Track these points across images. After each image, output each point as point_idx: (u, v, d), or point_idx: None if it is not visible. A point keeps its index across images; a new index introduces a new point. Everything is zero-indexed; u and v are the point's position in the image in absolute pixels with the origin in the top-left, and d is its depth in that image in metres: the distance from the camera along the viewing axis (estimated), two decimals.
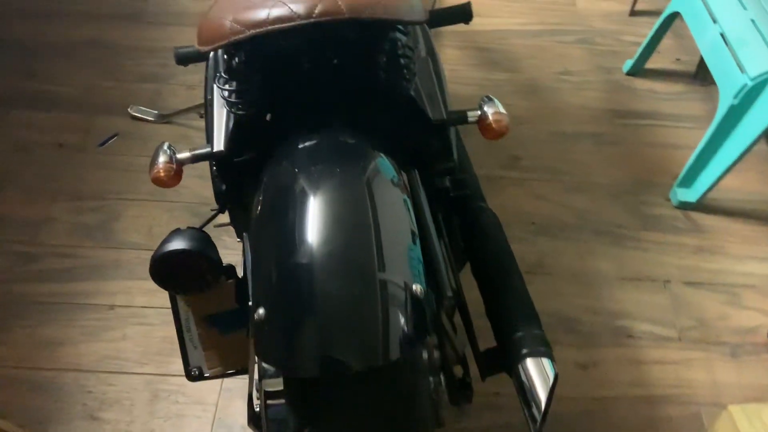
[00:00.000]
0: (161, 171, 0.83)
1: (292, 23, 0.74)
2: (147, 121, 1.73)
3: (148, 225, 1.50)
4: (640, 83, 1.90)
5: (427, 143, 0.93)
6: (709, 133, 1.48)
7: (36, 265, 1.41)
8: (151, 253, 0.78)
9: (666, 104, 1.84)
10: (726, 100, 1.44)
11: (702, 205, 1.58)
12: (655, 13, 2.14)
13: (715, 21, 1.55)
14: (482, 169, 1.48)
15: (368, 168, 0.77)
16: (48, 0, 2.07)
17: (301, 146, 0.80)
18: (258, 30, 0.75)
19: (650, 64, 1.92)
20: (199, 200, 1.55)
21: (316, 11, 0.74)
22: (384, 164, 0.79)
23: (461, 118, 0.92)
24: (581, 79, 1.91)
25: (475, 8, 2.13)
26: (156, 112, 1.75)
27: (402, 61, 0.88)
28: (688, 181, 1.58)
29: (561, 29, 2.08)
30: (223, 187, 0.91)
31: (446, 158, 0.95)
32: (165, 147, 0.86)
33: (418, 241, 0.75)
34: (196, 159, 0.87)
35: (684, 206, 1.59)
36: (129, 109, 1.76)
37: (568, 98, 1.85)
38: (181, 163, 0.86)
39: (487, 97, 0.95)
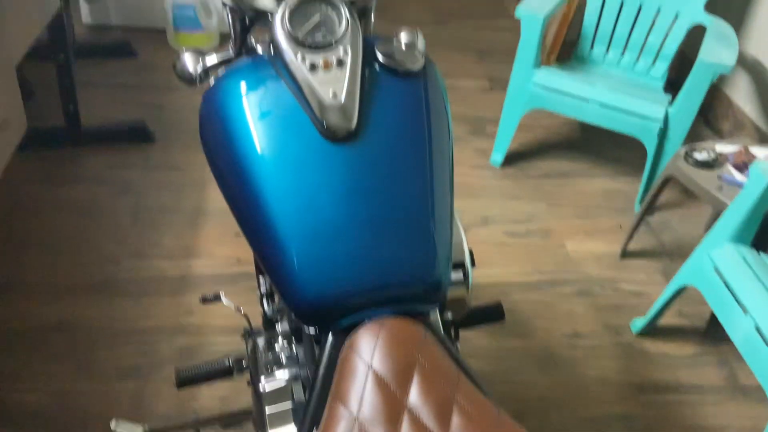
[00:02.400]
0: None
1: None
2: None
3: None
4: (652, 345, 1.86)
5: None
6: None
7: None
8: None
9: (684, 372, 1.79)
10: None
11: None
12: (646, 255, 2.15)
13: (746, 311, 1.52)
14: None
15: None
16: (3, 268, 1.84)
17: None
18: None
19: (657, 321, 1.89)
20: None
21: None
22: None
23: None
24: (593, 343, 1.84)
25: None
26: (141, 428, 1.53)
27: None
28: None
29: (558, 279, 2.03)
30: None
31: None
32: None
33: None
34: None
35: None
36: (112, 426, 1.52)
37: (585, 370, 1.77)
38: None
39: None
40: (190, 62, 1.12)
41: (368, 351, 0.77)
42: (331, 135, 0.94)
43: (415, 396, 0.72)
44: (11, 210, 2.00)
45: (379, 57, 1.03)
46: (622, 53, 2.55)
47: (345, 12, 1.02)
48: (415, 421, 0.70)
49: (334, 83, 0.96)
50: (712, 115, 2.82)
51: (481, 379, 0.80)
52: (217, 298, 1.40)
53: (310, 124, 0.95)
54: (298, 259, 0.89)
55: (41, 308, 1.76)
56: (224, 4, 1.11)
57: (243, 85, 1.02)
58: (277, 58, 1.00)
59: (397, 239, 0.92)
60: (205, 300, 1.42)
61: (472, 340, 1.82)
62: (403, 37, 1.29)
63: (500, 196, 2.34)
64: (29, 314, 1.74)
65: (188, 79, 1.12)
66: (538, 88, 2.31)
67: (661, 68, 2.48)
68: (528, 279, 2.02)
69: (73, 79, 2.14)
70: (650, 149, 2.22)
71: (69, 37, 2.09)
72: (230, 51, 1.14)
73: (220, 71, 1.10)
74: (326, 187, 0.93)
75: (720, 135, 2.76)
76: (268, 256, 0.93)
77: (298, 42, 0.99)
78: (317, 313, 0.88)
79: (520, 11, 2.26)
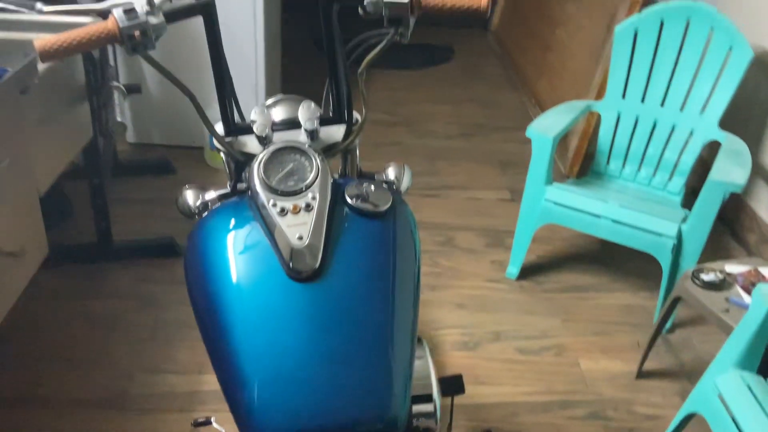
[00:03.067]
0: None
1: None
2: None
3: None
4: None
5: None
6: None
7: None
8: None
9: None
10: None
11: None
12: (664, 374, 2.09)
13: None
14: None
15: None
16: (17, 382, 1.92)
17: None
18: None
19: None
20: None
21: None
22: None
23: None
24: None
25: (477, 374, 2.05)
26: None
27: None
28: None
29: (570, 400, 1.99)
30: None
31: None
32: None
33: None
34: None
35: None
36: None
37: None
38: None
39: None
40: (190, 198, 1.21)
41: None
42: (295, 275, 1.00)
43: None
44: (36, 323, 2.11)
45: (348, 199, 1.10)
46: (639, 168, 2.57)
47: (316, 160, 1.10)
48: None
49: (301, 226, 1.03)
50: (738, 227, 2.78)
51: None
52: (208, 422, 1.44)
53: (278, 264, 1.01)
54: (257, 395, 0.94)
55: (55, 422, 1.82)
56: (217, 150, 1.22)
57: (221, 226, 1.10)
58: (254, 200, 1.08)
59: (352, 377, 0.96)
60: (196, 424, 1.45)
61: None
62: (391, 171, 1.36)
63: (514, 310, 2.34)
64: (44, 427, 1.80)
65: (187, 214, 1.22)
66: (550, 204, 2.34)
67: (679, 183, 2.49)
68: (538, 399, 1.99)
69: (105, 198, 2.29)
70: (665, 266, 2.20)
71: (103, 161, 2.25)
72: (228, 186, 1.23)
73: (215, 206, 1.19)
74: (287, 325, 0.98)
75: (746, 247, 2.71)
76: (228, 388, 0.98)
77: (270, 189, 1.07)
78: None
79: (531, 131, 2.34)
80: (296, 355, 0.95)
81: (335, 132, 1.23)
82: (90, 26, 1.01)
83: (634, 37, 2.49)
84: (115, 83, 1.84)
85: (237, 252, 1.05)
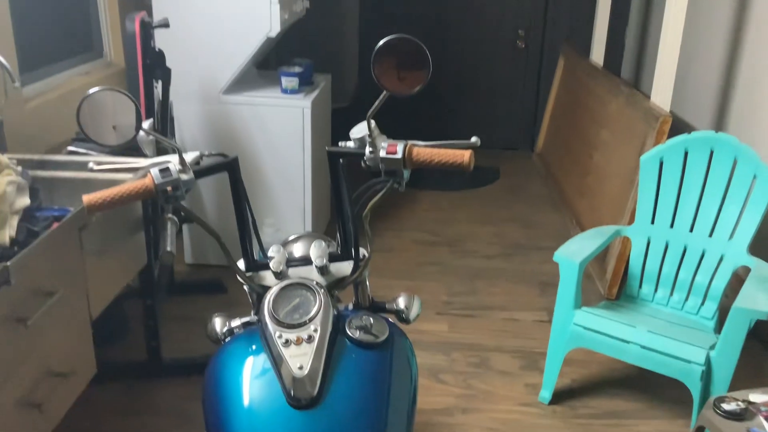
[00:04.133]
0: None
1: None
2: None
3: None
4: None
5: None
6: None
7: None
8: None
9: None
10: None
11: None
12: None
13: None
14: None
15: None
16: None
17: None
18: None
19: None
20: None
21: None
22: None
23: None
24: None
25: None
26: None
27: None
28: None
29: None
30: None
31: None
32: None
33: None
34: None
35: None
36: None
37: None
38: None
39: None
40: (218, 325, 1.36)
41: None
42: (295, 403, 1.11)
43: None
44: None
45: (348, 332, 1.22)
46: (671, 292, 2.59)
47: (319, 295, 1.23)
48: None
49: (302, 357, 1.15)
50: None
51: None
52: None
53: (280, 392, 1.13)
54: None
55: None
56: (241, 282, 1.37)
57: (235, 356, 1.24)
58: (263, 332, 1.21)
59: None
60: None
61: None
62: (401, 301, 1.48)
63: None
64: None
65: (214, 339, 1.36)
66: (579, 329, 2.38)
67: (711, 308, 2.49)
68: None
69: (157, 318, 2.47)
70: (695, 393, 2.18)
71: (157, 284, 2.45)
72: (252, 314, 1.37)
73: (239, 332, 1.33)
74: None
75: None
76: None
77: (277, 321, 1.20)
78: None
79: (558, 256, 2.42)
80: None
81: (345, 267, 1.36)
82: (129, 183, 1.20)
83: (660, 166, 2.59)
84: (169, 215, 2.05)
85: (246, 381, 1.17)
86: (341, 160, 1.32)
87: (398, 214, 4.06)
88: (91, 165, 1.50)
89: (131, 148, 2.11)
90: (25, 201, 1.62)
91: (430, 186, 4.46)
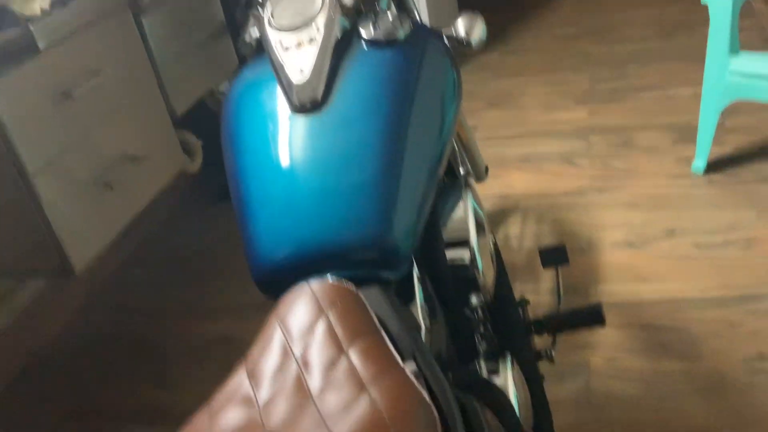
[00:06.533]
0: None
1: None
2: None
3: None
4: None
5: None
6: None
7: None
8: None
9: None
10: None
11: None
12: None
13: None
14: None
15: None
16: (169, 299, 2.13)
17: None
18: None
19: None
20: None
21: None
22: None
23: None
24: None
25: (639, 272, 1.82)
26: None
27: None
28: None
29: (753, 294, 1.65)
30: None
31: None
32: None
33: None
34: None
35: None
36: None
37: (765, 399, 1.39)
38: None
39: None
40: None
41: (283, 310, 0.76)
42: (298, 108, 0.98)
43: (307, 351, 0.70)
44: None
45: (361, 30, 1.05)
46: None
47: None
48: (302, 374, 0.68)
49: (302, 61, 1.00)
50: None
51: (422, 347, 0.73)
52: None
53: (284, 100, 1.00)
54: (255, 227, 0.93)
55: (206, 326, 1.97)
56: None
57: (244, 81, 1.12)
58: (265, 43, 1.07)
59: (348, 204, 0.91)
60: None
61: (619, 359, 1.57)
62: (460, 24, 1.26)
63: (698, 205, 2.00)
64: (196, 330, 1.96)
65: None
66: (737, 77, 1.96)
67: None
68: (711, 295, 1.68)
69: None
70: None
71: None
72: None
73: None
74: (288, 155, 0.96)
75: None
76: (241, 228, 0.98)
77: (275, 26, 1.06)
78: (269, 279, 0.89)
79: None
80: (291, 185, 0.93)
81: None
82: None
83: None
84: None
85: (254, 100, 1.05)
86: None
87: (536, 14, 3.63)
88: None
89: None
90: None
91: None
